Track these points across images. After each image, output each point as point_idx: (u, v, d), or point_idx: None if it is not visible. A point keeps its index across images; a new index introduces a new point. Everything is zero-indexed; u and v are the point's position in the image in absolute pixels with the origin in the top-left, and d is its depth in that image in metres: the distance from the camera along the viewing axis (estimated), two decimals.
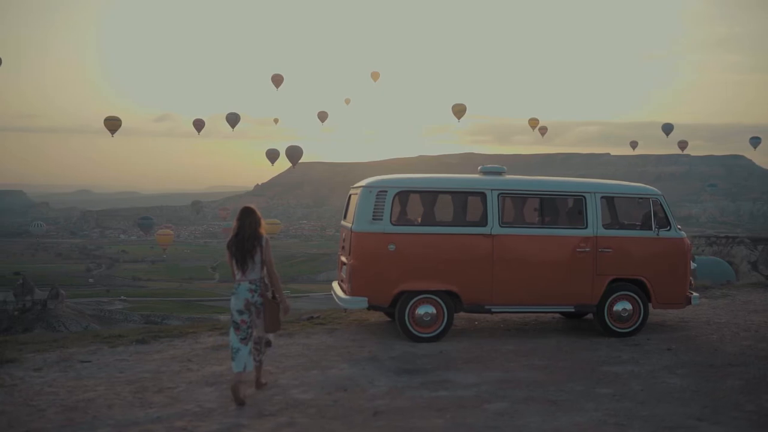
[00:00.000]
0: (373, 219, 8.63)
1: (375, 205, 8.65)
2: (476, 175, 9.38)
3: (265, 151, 79.56)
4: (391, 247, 8.58)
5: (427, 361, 7.76)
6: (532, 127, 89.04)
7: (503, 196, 8.97)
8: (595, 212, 9.03)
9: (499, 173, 9.33)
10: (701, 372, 7.44)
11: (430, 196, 9.10)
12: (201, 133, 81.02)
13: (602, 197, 9.16)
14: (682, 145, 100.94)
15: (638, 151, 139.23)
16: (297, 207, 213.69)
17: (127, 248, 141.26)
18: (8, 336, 10.68)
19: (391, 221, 8.66)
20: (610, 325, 9.07)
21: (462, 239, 8.82)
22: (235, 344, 6.30)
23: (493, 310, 8.96)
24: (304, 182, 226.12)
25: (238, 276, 6.37)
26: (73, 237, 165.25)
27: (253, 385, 6.60)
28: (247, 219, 6.44)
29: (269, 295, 6.49)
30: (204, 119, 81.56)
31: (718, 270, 21.43)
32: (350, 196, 9.48)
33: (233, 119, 75.16)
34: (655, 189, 9.53)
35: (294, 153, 75.91)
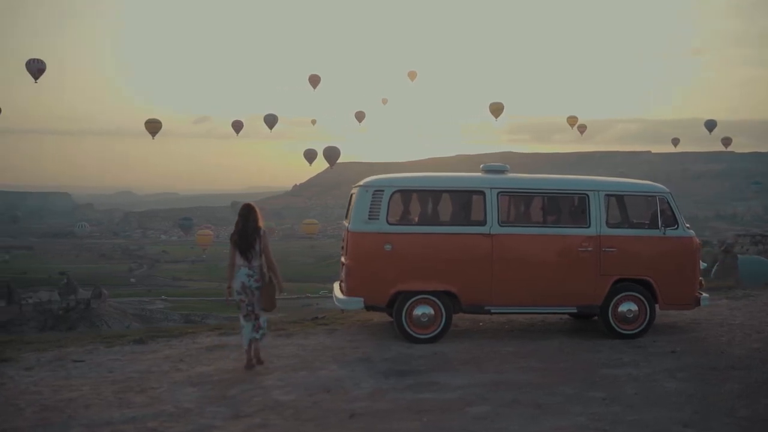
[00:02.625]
0: (369, 218, 8.53)
1: (371, 205, 8.55)
2: (476, 174, 9.22)
3: (302, 152, 79.81)
4: (388, 246, 8.47)
5: (421, 363, 7.63)
6: (570, 125, 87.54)
7: (503, 194, 8.80)
8: (598, 211, 8.80)
9: (501, 171, 9.15)
10: (701, 375, 7.18)
11: (427, 195, 8.96)
12: (239, 134, 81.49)
13: (606, 195, 8.93)
14: (726, 142, 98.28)
15: (679, 149, 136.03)
16: (335, 207, 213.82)
17: (168, 248, 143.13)
18: (13, 336, 10.83)
19: (387, 221, 8.55)
20: (615, 327, 8.83)
21: (460, 239, 8.66)
22: (242, 321, 7.38)
23: (492, 311, 8.79)
24: (342, 182, 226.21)
25: (240, 262, 7.30)
26: (116, 237, 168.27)
27: (246, 364, 7.26)
28: (250, 215, 7.39)
29: (266, 279, 7.34)
30: (242, 120, 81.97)
31: (760, 269, 20.81)
32: (351, 195, 9.39)
33: (271, 120, 75.41)
34: (662, 186, 9.25)
35: (332, 153, 75.94)
